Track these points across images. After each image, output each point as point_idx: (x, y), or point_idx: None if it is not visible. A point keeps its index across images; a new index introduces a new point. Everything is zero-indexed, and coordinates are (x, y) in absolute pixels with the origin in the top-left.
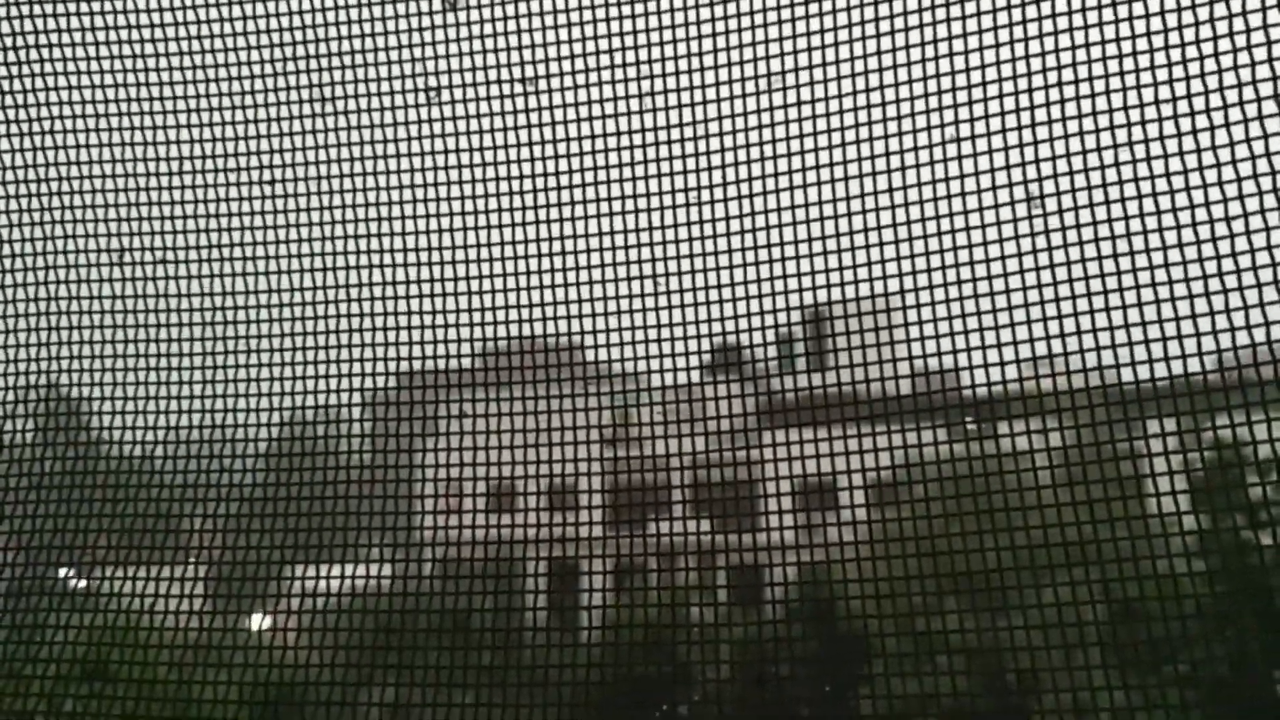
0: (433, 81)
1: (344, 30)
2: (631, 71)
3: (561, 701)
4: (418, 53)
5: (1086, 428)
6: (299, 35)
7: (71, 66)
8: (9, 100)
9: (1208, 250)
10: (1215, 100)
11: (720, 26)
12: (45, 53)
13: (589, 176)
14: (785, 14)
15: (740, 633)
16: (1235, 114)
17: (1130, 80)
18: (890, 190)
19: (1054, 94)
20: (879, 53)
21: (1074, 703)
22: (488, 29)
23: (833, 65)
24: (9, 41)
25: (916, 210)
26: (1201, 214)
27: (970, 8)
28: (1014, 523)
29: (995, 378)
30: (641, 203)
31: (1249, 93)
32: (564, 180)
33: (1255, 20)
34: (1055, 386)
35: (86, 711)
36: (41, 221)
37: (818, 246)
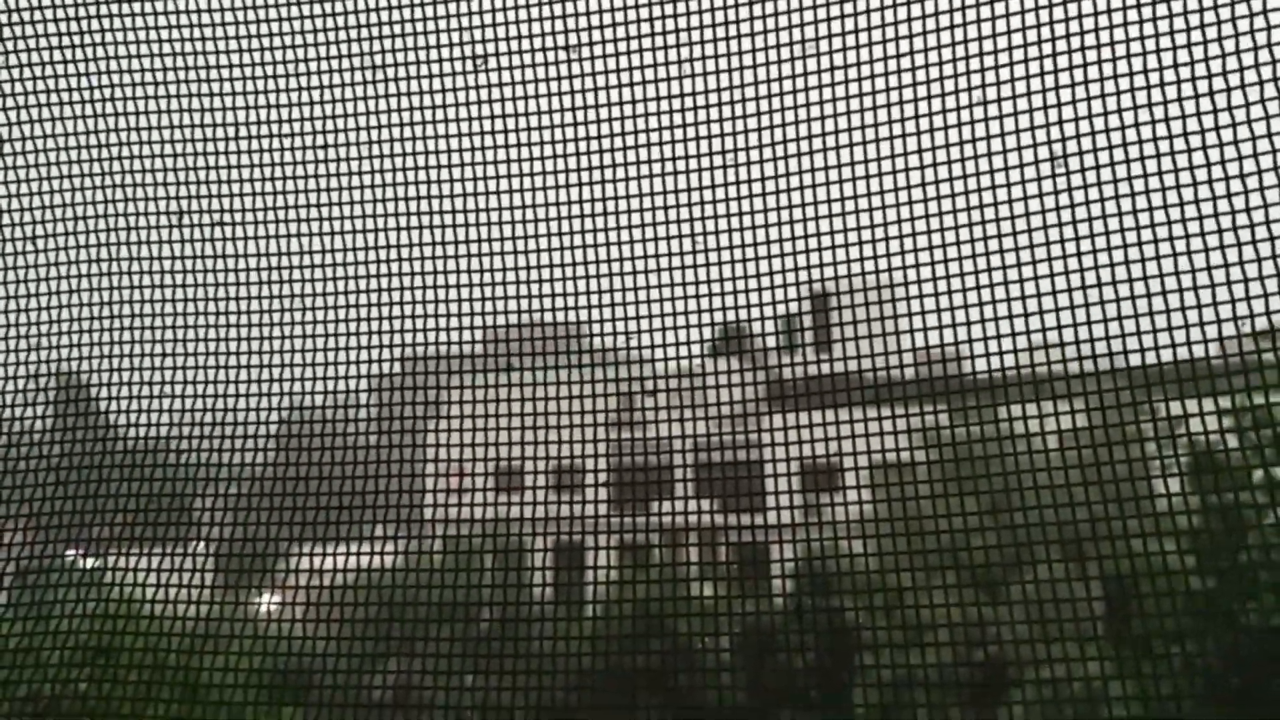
0: (475, 51)
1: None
2: (626, 60)
3: (567, 677)
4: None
5: (1096, 410)
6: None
7: (115, 37)
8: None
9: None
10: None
11: (720, 2)
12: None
13: (592, 159)
14: None
15: (744, 611)
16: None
17: (1151, 51)
18: (889, 164)
19: (1077, 72)
20: (876, 31)
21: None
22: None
23: (829, 40)
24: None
25: (919, 191)
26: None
27: None
28: (1014, 504)
29: (1000, 360)
30: (645, 185)
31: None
32: (565, 164)
33: None
34: (1067, 370)
35: (99, 685)
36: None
37: (823, 227)
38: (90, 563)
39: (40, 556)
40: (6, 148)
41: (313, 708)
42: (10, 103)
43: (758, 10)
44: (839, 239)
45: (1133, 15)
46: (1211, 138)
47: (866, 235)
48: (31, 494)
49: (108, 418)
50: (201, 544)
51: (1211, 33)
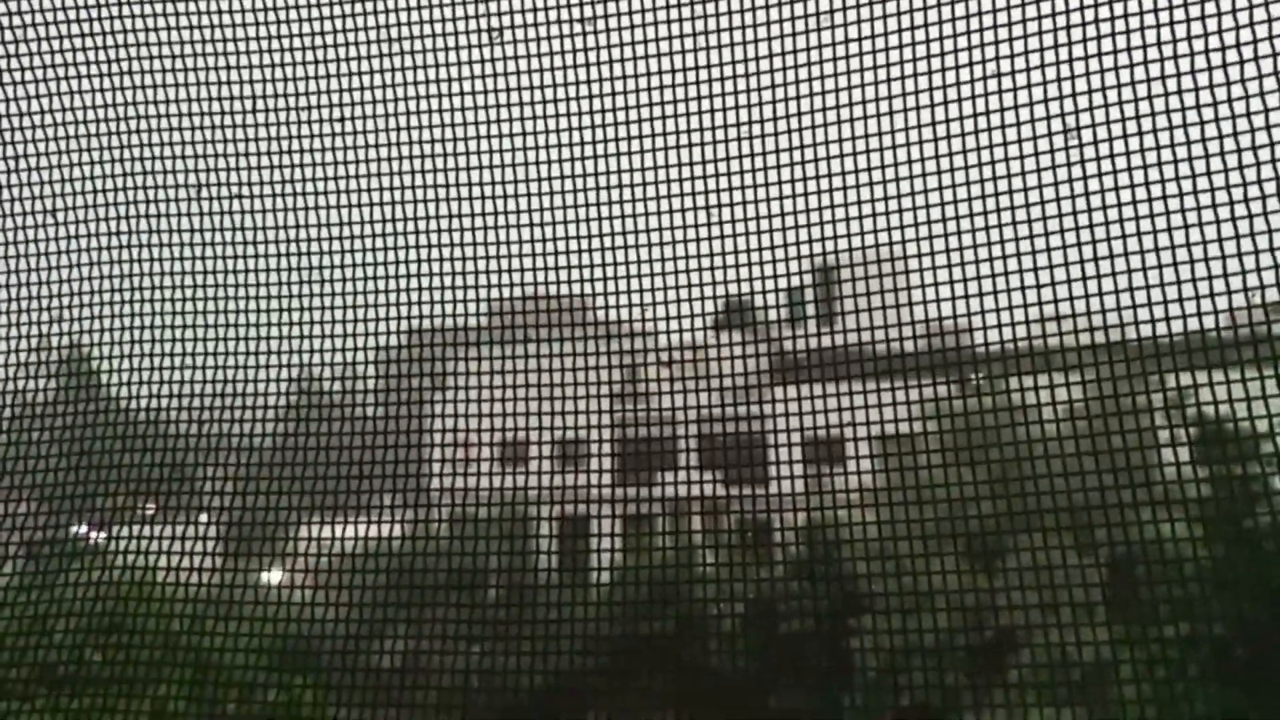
0: (490, 24)
1: None
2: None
3: (581, 641)
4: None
5: (1106, 379)
6: None
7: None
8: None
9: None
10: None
11: None
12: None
13: (598, 133)
14: None
15: (749, 584)
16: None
17: (1165, 24)
18: (896, 137)
19: (1091, 44)
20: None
21: (1063, 654)
22: None
23: (840, 14)
24: None
25: (931, 162)
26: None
27: None
28: (1018, 475)
29: (1005, 333)
30: (651, 158)
31: None
32: (572, 137)
33: None
34: (1075, 342)
35: (109, 658)
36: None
37: (828, 200)
38: (99, 536)
39: (50, 527)
40: (19, 120)
41: (322, 678)
42: (25, 75)
43: None
44: (845, 211)
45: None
46: (1225, 109)
47: (872, 208)
48: (41, 465)
49: (117, 390)
50: (209, 517)
51: (1226, 4)
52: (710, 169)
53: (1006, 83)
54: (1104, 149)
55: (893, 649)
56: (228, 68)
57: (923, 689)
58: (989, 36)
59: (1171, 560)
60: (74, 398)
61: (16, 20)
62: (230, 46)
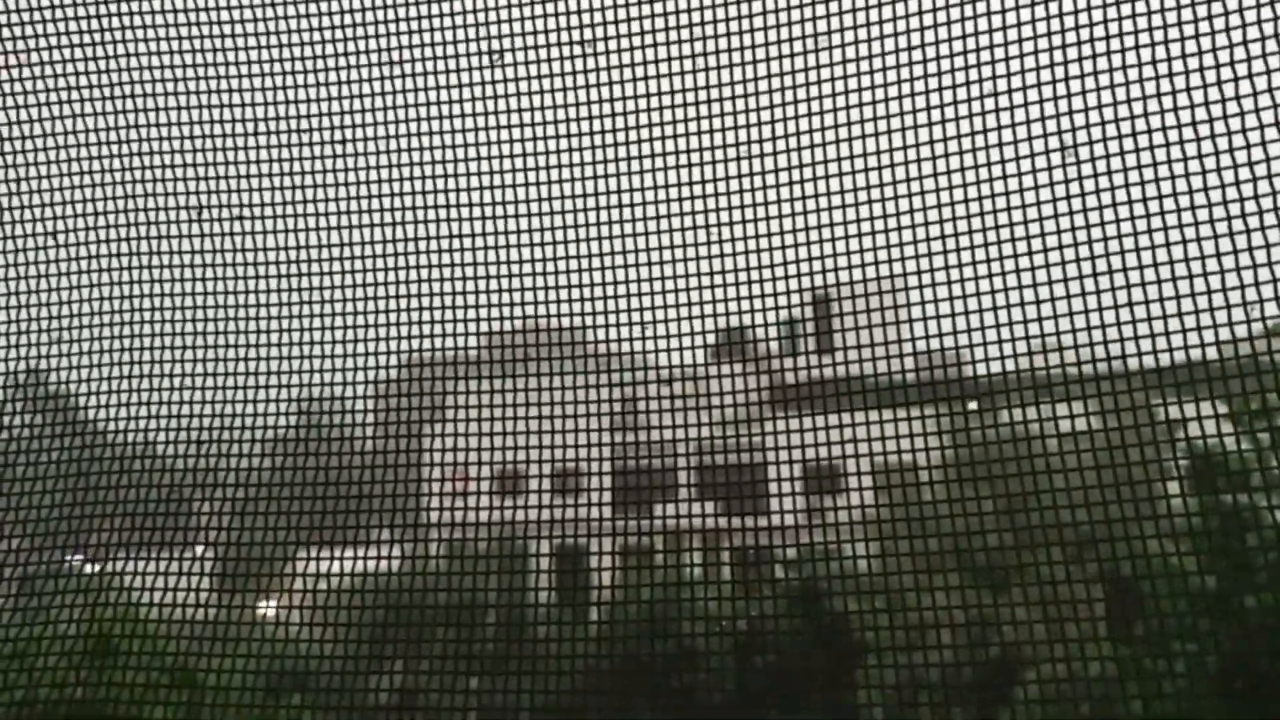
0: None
1: None
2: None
3: (571, 680)
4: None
5: (1110, 412)
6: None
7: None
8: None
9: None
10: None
11: None
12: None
13: (596, 163)
14: None
15: (749, 611)
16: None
17: (1160, 42)
18: (895, 155)
19: (1086, 62)
20: (881, 29)
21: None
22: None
23: (833, 41)
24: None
25: (917, 188)
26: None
27: None
28: (1016, 505)
29: (1006, 359)
30: (652, 178)
31: None
32: (569, 160)
33: None
34: (1080, 370)
35: (97, 691)
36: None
37: (825, 219)
38: (90, 568)
39: (39, 558)
40: (17, 142)
41: (317, 712)
42: (24, 96)
43: (757, 5)
44: (841, 243)
45: (1141, 6)
46: (1220, 126)
47: (871, 226)
48: (34, 492)
49: (112, 415)
50: (203, 549)
51: (1219, 23)
52: (709, 189)
53: (1004, 102)
54: (1100, 165)
55: (897, 674)
56: (228, 90)
57: (927, 711)
58: (985, 57)
59: (1175, 576)
60: (66, 420)
61: (17, 42)
62: (231, 69)
